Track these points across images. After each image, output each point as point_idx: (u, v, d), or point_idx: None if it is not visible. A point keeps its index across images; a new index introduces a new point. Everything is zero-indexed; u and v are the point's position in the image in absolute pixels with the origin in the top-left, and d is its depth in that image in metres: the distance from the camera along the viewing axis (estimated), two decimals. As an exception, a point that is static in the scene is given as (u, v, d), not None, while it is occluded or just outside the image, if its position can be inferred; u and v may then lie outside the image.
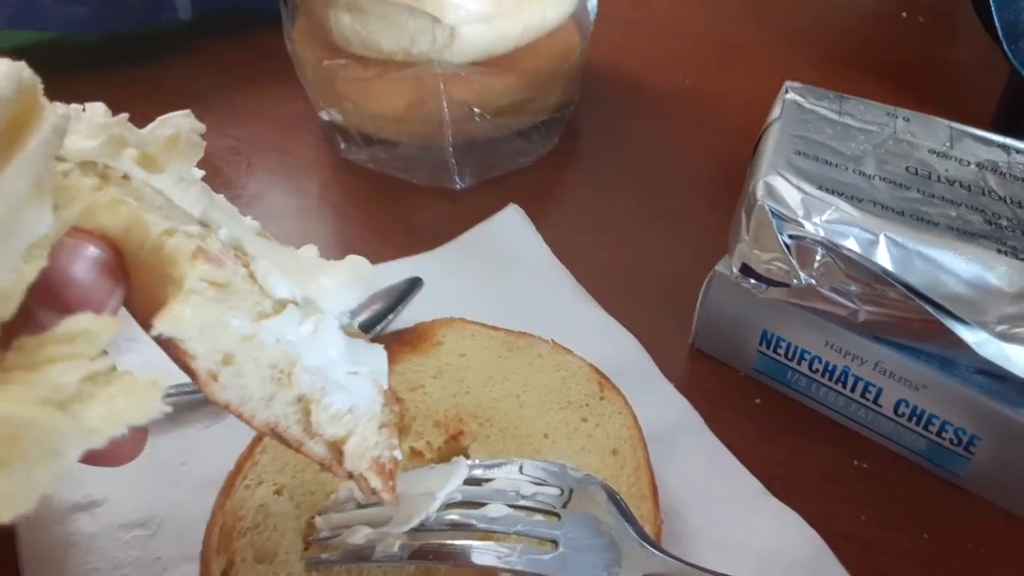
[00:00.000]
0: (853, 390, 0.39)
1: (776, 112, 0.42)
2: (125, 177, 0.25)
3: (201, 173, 0.27)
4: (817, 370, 0.40)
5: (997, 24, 0.54)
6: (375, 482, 0.26)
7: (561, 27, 0.55)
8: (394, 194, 0.53)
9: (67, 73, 0.62)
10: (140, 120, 0.26)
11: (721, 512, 0.36)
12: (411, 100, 0.51)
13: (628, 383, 0.39)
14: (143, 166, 0.25)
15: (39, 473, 0.18)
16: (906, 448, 0.39)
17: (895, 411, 0.38)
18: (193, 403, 0.39)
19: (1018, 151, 0.41)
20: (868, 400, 0.39)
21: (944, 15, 0.75)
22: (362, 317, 0.41)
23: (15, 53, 0.21)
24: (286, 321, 0.24)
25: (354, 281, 0.26)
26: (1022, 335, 0.33)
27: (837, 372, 0.39)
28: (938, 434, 0.37)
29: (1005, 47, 0.55)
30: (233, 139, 0.58)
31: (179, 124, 0.26)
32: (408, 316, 0.42)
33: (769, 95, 0.45)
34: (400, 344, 0.39)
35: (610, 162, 0.58)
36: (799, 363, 0.40)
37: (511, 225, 0.50)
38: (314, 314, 0.25)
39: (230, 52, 0.65)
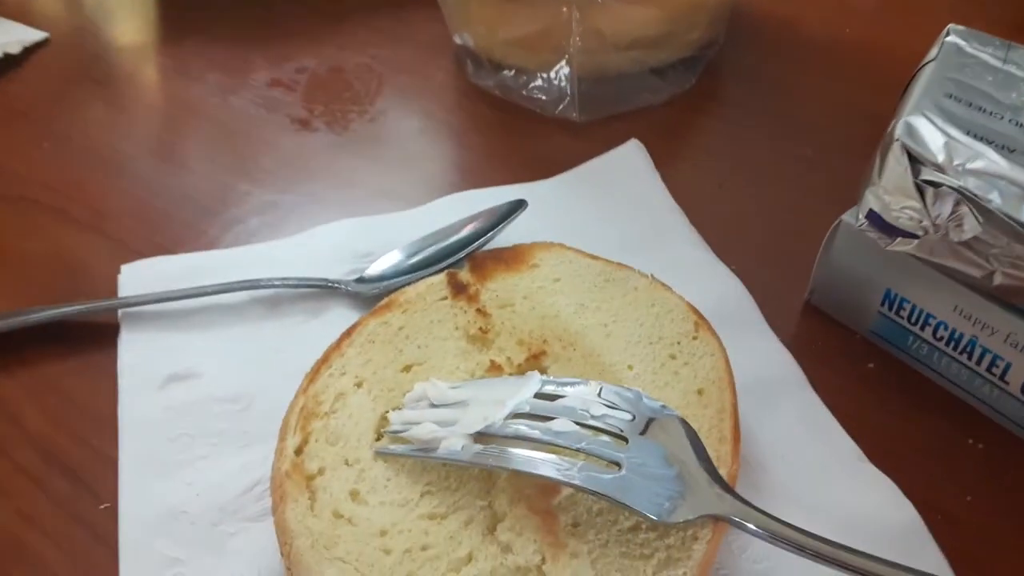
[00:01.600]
0: (979, 363, 0.35)
1: (933, 53, 0.38)
2: None
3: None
4: (942, 337, 0.36)
5: None
6: None
7: (712, -42, 0.52)
8: (516, 123, 0.53)
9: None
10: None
11: (808, 470, 0.34)
12: (541, 27, 0.50)
13: (730, 329, 0.36)
14: None
15: None
16: (1032, 433, 0.35)
17: (1023, 391, 0.34)
18: (295, 296, 0.40)
19: None
20: (994, 375, 0.35)
21: None
22: (463, 233, 0.41)
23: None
24: None
25: None
26: None
27: (964, 341, 0.35)
28: (1072, 421, 0.33)
29: None
30: (369, 57, 0.59)
31: None
32: (511, 237, 0.41)
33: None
34: (496, 262, 0.39)
35: (748, 107, 0.55)
36: (923, 328, 0.37)
37: (630, 160, 0.48)
38: None
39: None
